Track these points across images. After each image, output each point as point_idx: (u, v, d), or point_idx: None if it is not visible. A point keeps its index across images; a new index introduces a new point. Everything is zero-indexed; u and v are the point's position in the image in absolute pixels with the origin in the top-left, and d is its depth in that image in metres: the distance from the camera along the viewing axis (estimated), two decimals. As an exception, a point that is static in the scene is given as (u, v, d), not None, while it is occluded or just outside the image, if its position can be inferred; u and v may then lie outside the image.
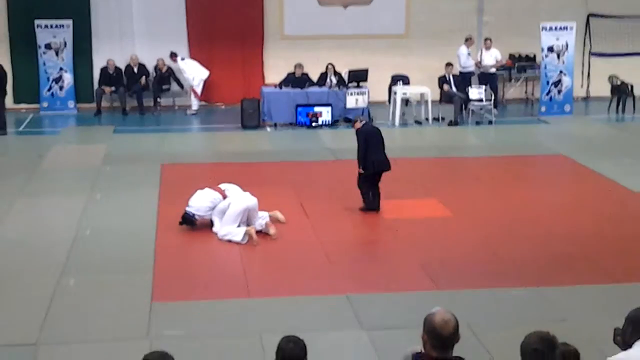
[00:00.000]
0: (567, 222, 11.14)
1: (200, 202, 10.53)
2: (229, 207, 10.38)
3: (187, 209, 10.51)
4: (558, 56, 18.72)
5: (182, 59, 19.10)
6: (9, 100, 18.05)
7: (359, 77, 18.05)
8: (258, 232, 10.32)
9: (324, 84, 18.00)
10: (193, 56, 19.57)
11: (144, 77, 19.03)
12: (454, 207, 11.67)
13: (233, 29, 19.60)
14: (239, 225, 10.26)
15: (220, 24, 19.54)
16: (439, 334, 4.22)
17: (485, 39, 19.20)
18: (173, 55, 19.01)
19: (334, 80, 17.97)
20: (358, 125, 11.59)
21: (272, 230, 10.43)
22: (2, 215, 11.16)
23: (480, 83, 18.69)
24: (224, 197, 10.63)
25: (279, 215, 10.81)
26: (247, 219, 10.37)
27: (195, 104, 19.17)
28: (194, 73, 18.95)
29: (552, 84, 18.78)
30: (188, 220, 10.53)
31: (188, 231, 10.54)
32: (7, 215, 11.18)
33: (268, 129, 17.52)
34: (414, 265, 9.42)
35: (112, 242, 10.21)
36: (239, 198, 10.50)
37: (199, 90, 19.07)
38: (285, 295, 8.58)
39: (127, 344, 7.50)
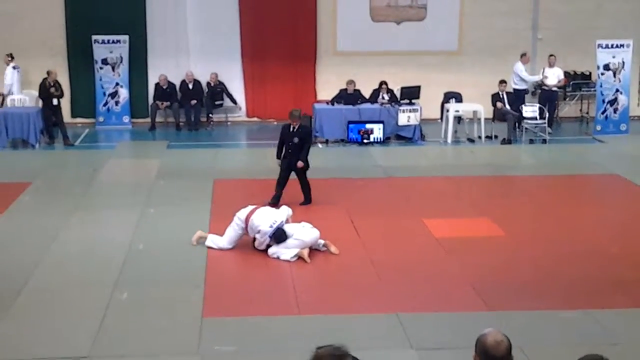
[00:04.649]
0: (622, 243, 10.95)
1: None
2: (291, 237, 10.28)
3: (275, 225, 10.26)
4: (614, 74, 18.47)
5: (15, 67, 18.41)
6: (66, 115, 18.45)
7: (411, 94, 18.01)
8: (315, 249, 10.34)
9: (376, 101, 17.99)
10: (246, 71, 19.76)
11: (194, 101, 19.14)
12: (506, 226, 11.54)
13: (286, 45, 19.76)
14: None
15: (274, 40, 19.71)
16: (492, 355, 4.17)
17: (550, 56, 18.91)
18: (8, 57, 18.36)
19: (386, 97, 17.95)
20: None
21: (332, 248, 10.43)
22: (59, 229, 11.34)
23: (540, 101, 18.50)
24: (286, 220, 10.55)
25: (332, 248, 10.54)
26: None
27: None
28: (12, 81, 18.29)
29: (607, 103, 18.54)
30: (283, 235, 10.21)
31: (239, 247, 10.58)
32: (63, 229, 11.35)
33: (319, 145, 17.55)
34: (465, 285, 9.34)
35: (165, 257, 10.31)
36: (302, 233, 10.29)
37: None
38: (335, 313, 8.56)
39: (178, 359, 7.55)
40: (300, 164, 12.43)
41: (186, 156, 16.34)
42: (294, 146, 12.41)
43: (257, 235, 10.36)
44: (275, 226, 10.25)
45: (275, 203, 11.91)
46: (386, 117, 17.58)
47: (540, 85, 18.96)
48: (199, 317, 8.35)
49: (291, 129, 12.51)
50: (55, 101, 17.35)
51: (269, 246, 10.37)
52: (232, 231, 10.55)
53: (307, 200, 12.54)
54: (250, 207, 10.61)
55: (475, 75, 19.57)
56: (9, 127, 17.08)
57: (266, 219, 10.33)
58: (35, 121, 17.10)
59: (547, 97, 18.60)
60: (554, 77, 18.77)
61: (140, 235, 11.12)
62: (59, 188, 13.70)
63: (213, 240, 10.57)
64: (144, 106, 19.50)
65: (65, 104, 18.41)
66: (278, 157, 12.72)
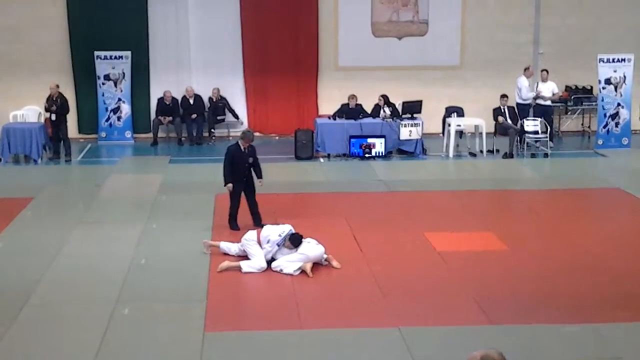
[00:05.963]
0: (624, 257, 10.93)
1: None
2: (295, 251, 10.37)
3: (284, 234, 10.45)
4: (615, 88, 18.49)
5: None
6: (74, 130, 18.47)
7: (413, 108, 18.03)
8: (317, 264, 10.36)
9: (377, 115, 18.02)
10: (248, 86, 19.82)
11: (194, 114, 19.19)
12: (509, 240, 11.53)
13: (288, 60, 19.82)
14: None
15: (276, 55, 19.76)
16: None
17: (542, 70, 19.00)
18: None
19: (387, 111, 17.97)
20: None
21: (334, 262, 10.46)
22: (61, 244, 11.35)
23: (535, 115, 18.50)
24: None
25: (334, 263, 10.56)
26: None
27: None
28: None
29: (609, 117, 18.55)
30: (298, 239, 10.43)
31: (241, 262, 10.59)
32: (65, 244, 11.36)
33: (321, 159, 17.59)
34: (467, 299, 9.32)
35: (167, 272, 10.30)
36: (307, 248, 10.37)
37: None
38: (337, 327, 8.55)
39: (180, 374, 7.54)
40: (261, 181, 12.26)
41: (188, 171, 16.36)
42: (249, 167, 12.19)
43: (267, 245, 10.41)
44: (284, 235, 10.40)
45: (236, 224, 12.04)
46: (388, 132, 17.61)
47: (535, 99, 18.94)
48: (201, 332, 8.33)
49: (243, 150, 12.17)
50: (53, 116, 17.31)
51: (272, 259, 10.40)
52: (256, 249, 10.47)
53: (259, 220, 12.05)
54: (253, 230, 10.82)
55: (476, 90, 19.63)
56: (11, 142, 17.11)
57: (274, 231, 10.52)
58: (38, 136, 17.12)
59: (542, 112, 18.54)
60: (547, 91, 18.74)
61: (143, 250, 11.12)
62: (61, 203, 13.71)
63: (249, 265, 10.35)
64: (146, 121, 19.54)
65: (73, 120, 18.42)
66: (229, 181, 12.04)
